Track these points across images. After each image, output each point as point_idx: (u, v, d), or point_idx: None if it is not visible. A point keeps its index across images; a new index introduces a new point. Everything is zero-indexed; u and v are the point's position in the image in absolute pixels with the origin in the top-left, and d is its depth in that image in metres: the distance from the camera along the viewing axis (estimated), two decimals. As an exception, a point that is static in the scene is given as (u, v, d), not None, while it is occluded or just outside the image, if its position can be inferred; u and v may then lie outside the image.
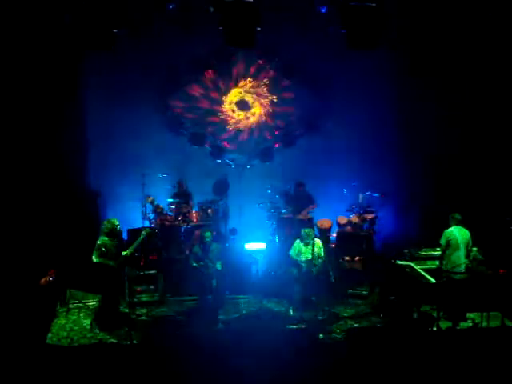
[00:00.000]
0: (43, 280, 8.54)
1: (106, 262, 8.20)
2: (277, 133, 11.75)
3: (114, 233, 8.36)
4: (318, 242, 9.24)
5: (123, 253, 8.39)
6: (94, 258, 8.21)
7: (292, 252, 9.23)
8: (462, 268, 8.49)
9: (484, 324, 8.00)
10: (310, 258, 9.05)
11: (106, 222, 8.44)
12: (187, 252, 9.72)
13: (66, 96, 10.31)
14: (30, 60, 9.60)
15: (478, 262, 8.95)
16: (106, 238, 8.29)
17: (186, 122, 11.54)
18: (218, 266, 8.82)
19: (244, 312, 8.98)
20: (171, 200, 10.61)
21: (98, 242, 8.25)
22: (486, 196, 10.69)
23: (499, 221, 9.96)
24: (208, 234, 8.99)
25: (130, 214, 10.56)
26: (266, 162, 11.72)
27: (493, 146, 10.88)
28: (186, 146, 11.54)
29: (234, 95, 11.54)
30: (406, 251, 9.54)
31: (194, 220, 10.53)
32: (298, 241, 9.28)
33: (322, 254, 9.16)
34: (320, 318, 8.79)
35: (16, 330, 7.24)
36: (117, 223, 8.41)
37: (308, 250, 9.08)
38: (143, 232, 8.68)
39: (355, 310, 9.30)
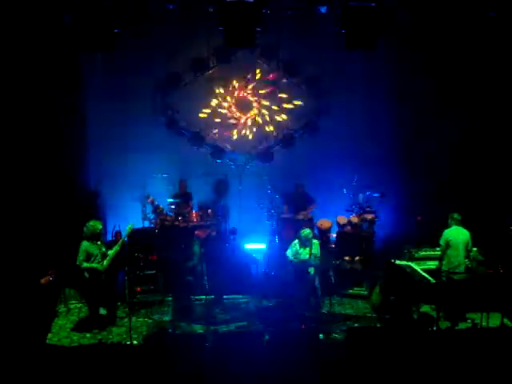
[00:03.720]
0: (43, 280, 8.55)
1: (90, 266, 8.29)
2: (277, 133, 11.75)
3: (95, 236, 8.42)
4: (315, 242, 9.26)
5: (109, 252, 8.45)
6: (79, 263, 8.29)
7: (289, 252, 9.24)
8: (462, 268, 8.50)
9: (484, 324, 8.01)
10: (307, 259, 9.07)
11: (87, 226, 8.44)
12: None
13: (65, 96, 10.30)
14: (30, 60, 9.60)
15: (477, 262, 8.96)
16: (89, 243, 8.36)
17: (186, 121, 11.54)
18: (192, 262, 9.00)
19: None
20: (171, 200, 10.62)
21: (81, 247, 8.31)
22: (485, 196, 10.68)
23: (499, 221, 9.96)
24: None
25: (130, 214, 10.55)
26: (265, 162, 11.73)
27: (493, 145, 10.88)
28: (186, 146, 11.55)
29: (234, 95, 11.53)
30: (405, 251, 9.55)
31: (194, 220, 10.53)
32: (295, 241, 9.29)
33: (319, 254, 9.18)
34: (320, 317, 8.81)
35: (16, 329, 7.24)
36: (98, 226, 8.46)
37: (306, 250, 9.10)
38: (128, 227, 8.75)
39: (355, 310, 9.31)
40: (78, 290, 9.20)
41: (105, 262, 8.38)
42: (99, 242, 8.50)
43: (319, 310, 9.02)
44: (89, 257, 8.31)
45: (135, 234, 9.40)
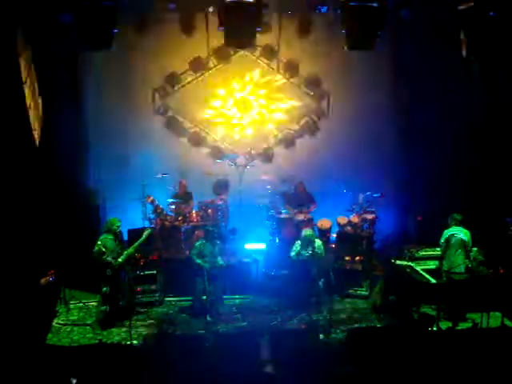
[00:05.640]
0: (43, 280, 8.55)
1: (105, 260, 8.32)
2: (277, 133, 11.74)
3: (113, 232, 8.56)
4: (318, 242, 9.25)
5: (125, 251, 8.53)
6: (94, 255, 8.34)
7: (293, 253, 9.24)
8: (462, 268, 8.50)
9: (484, 324, 8.01)
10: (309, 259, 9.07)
11: (107, 222, 8.73)
12: (187, 252, 9.73)
13: (65, 96, 10.30)
14: (29, 60, 9.58)
15: (478, 262, 8.95)
16: (107, 237, 8.46)
17: (186, 121, 11.53)
18: (219, 261, 8.96)
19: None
20: (171, 200, 10.61)
21: (99, 241, 8.41)
22: (486, 196, 10.68)
23: (499, 221, 9.96)
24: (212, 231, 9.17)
25: (130, 214, 10.55)
26: (266, 162, 11.73)
27: (493, 145, 10.87)
28: (186, 146, 11.55)
29: (234, 95, 11.52)
30: (405, 251, 9.55)
31: (194, 220, 10.53)
32: (298, 242, 9.29)
33: (323, 255, 9.18)
34: (320, 318, 8.81)
35: (16, 329, 7.23)
36: (117, 223, 8.63)
37: (308, 251, 9.10)
38: (146, 231, 8.85)
39: (355, 310, 9.30)
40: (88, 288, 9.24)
41: (119, 259, 8.46)
42: (117, 240, 8.61)
43: (320, 310, 9.02)
44: (105, 251, 8.35)
45: (135, 234, 9.38)
